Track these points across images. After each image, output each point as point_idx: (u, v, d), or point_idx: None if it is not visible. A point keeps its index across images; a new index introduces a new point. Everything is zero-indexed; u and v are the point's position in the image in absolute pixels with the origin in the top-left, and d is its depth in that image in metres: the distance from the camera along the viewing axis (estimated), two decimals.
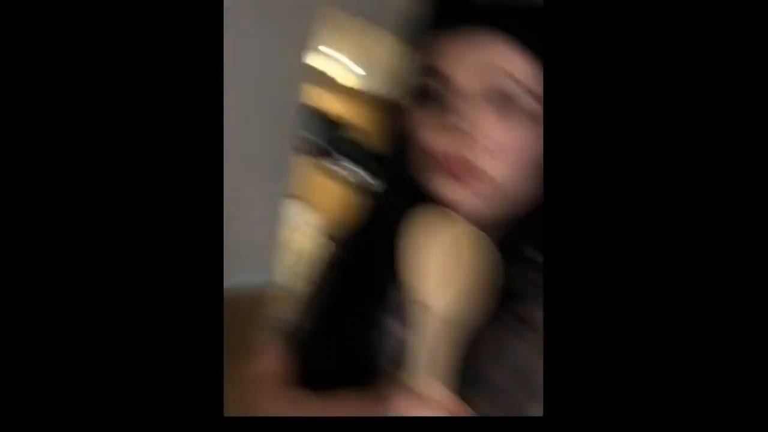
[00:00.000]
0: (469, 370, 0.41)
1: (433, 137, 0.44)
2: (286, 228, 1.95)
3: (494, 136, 0.42)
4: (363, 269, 0.49)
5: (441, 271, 0.39)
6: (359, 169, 4.45)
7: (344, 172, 4.40)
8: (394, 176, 0.49)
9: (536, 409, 0.38)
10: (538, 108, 0.41)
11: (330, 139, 3.45)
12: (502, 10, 0.42)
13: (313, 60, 1.87)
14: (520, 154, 0.43)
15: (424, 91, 0.44)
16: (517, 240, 0.45)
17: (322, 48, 2.17)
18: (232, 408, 0.41)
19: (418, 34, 0.46)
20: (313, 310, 0.51)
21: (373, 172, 0.53)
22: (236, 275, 1.05)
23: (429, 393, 0.37)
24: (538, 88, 0.41)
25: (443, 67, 0.43)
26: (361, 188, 0.55)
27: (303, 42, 1.79)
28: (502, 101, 0.42)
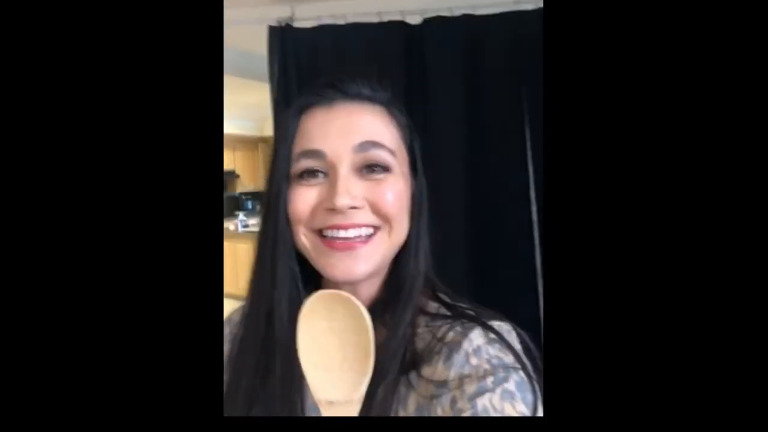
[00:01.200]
0: None
1: (315, 213, 0.44)
2: None
3: (370, 196, 0.44)
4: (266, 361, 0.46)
5: (337, 360, 0.37)
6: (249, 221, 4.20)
7: (239, 228, 4.15)
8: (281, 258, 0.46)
9: None
10: (395, 162, 0.46)
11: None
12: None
13: None
14: (395, 203, 0.45)
15: (301, 171, 0.45)
16: (416, 300, 0.46)
17: None
18: None
19: (291, 109, 0.48)
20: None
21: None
22: None
23: None
24: (397, 145, 0.47)
25: (316, 143, 0.45)
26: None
27: None
28: (370, 165, 0.45)
